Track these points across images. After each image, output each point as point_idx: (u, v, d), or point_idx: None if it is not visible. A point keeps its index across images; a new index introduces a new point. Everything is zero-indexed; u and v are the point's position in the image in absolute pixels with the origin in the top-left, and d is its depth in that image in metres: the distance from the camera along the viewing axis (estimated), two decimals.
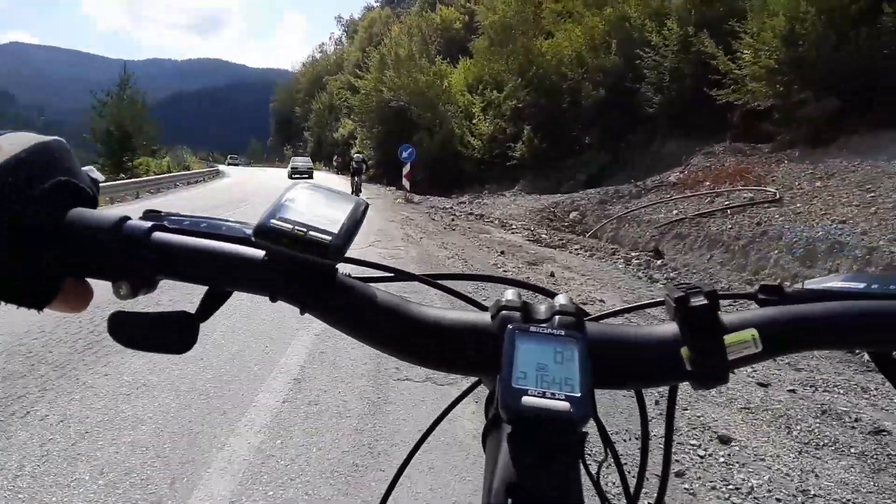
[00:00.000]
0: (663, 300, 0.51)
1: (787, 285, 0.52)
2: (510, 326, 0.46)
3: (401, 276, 0.63)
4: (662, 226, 13.51)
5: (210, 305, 0.52)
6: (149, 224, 0.50)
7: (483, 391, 0.54)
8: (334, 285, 0.50)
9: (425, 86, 30.24)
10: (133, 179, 25.05)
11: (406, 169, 20.57)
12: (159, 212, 0.55)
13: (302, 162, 47.57)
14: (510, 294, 0.51)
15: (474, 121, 29.16)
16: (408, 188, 20.90)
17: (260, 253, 0.49)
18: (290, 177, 42.38)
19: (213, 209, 16.44)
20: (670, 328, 0.48)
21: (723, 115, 19.99)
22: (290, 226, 0.47)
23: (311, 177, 43.21)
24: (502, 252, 9.54)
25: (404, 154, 20.58)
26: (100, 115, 29.76)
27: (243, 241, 0.51)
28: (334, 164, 47.82)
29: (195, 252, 0.50)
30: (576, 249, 11.55)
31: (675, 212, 13.96)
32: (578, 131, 26.91)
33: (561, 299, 0.51)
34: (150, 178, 26.21)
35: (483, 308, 0.55)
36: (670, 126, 23.03)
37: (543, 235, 12.57)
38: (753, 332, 0.45)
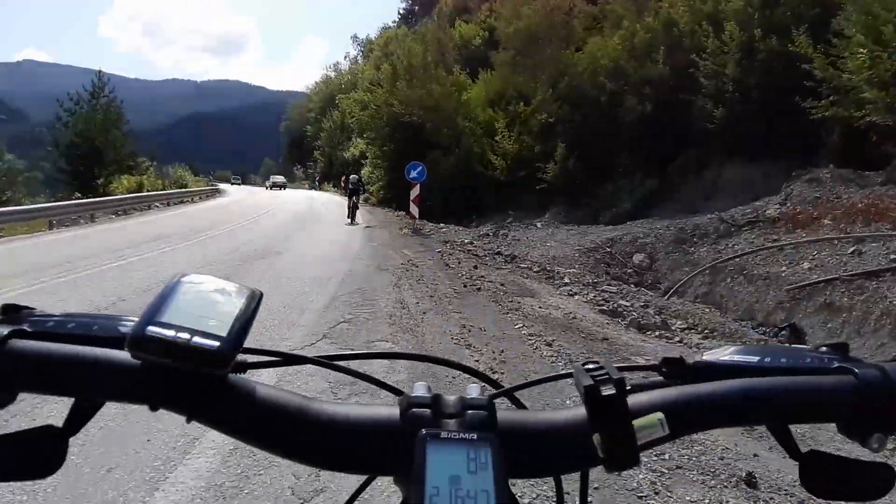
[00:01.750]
0: (572, 373, 0.49)
1: (687, 357, 0.53)
2: (422, 432, 0.43)
3: (293, 360, 0.56)
4: (795, 288, 8.65)
5: (80, 417, 0.44)
6: (5, 331, 0.43)
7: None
8: (223, 391, 0.44)
9: (441, 98, 25.71)
10: (87, 200, 20.57)
11: (414, 192, 15.91)
12: (20, 308, 0.48)
13: (279, 178, 57.73)
14: (420, 388, 0.48)
15: (497, 137, 24.54)
16: (416, 216, 16.21)
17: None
18: (269, 189, 51.35)
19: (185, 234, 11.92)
20: (581, 414, 0.46)
21: (803, 135, 15.68)
22: (172, 332, 0.41)
23: (284, 188, 52.25)
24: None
25: (413, 173, 15.89)
26: (65, 125, 25.45)
27: (118, 341, 0.44)
28: (342, 184, 43.52)
29: (60, 362, 0.43)
30: (684, 331, 6.79)
31: (806, 265, 9.11)
32: (619, 152, 22.28)
33: (471, 390, 0.50)
34: (111, 198, 21.69)
35: (398, 392, 0.51)
36: (730, 147, 18.57)
37: (622, 302, 7.74)
38: (660, 415, 0.45)
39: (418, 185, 15.88)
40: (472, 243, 13.60)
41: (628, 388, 0.45)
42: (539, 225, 19.31)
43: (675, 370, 0.53)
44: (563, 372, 0.55)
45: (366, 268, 9.28)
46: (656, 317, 7.36)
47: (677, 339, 6.41)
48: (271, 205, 26.99)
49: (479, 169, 24.76)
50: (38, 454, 0.42)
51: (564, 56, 24.31)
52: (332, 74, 70.03)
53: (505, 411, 0.47)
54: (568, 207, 22.22)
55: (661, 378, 0.54)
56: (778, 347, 0.53)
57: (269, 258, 10.09)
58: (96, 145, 25.09)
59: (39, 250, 10.89)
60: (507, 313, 6.42)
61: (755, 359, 0.52)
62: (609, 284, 9.38)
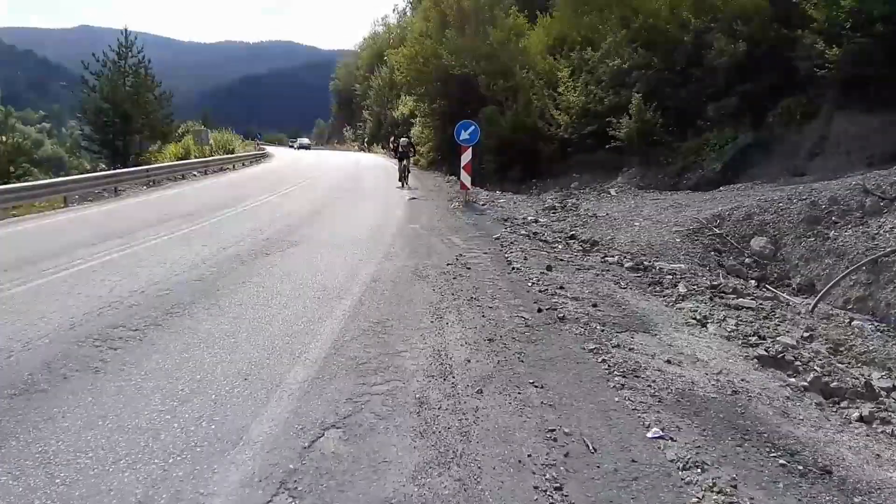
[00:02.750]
0: None
1: None
2: None
3: None
4: None
5: None
6: None
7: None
8: None
9: (497, 44, 22.55)
10: (105, 172, 18.67)
11: (466, 157, 13.14)
12: None
13: (304, 140, 64.81)
14: None
15: (560, 89, 21.33)
16: (468, 186, 13.44)
17: None
18: (296, 150, 54.30)
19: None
20: None
21: None
22: None
23: (308, 149, 56.07)
24: None
25: (464, 134, 13.03)
26: (91, 89, 23.52)
27: None
28: (391, 146, 41.00)
29: None
30: (893, 393, 4.04)
31: None
32: (705, 101, 18.84)
33: None
34: (137, 168, 19.54)
35: None
36: (843, 94, 15.08)
37: (784, 339, 4.96)
38: None
39: (470, 149, 13.07)
40: (536, 221, 10.86)
41: None
42: (613, 192, 16.34)
43: None
44: None
45: (398, 272, 6.73)
46: (840, 364, 4.58)
47: None
48: (312, 172, 24.70)
49: (539, 125, 21.68)
50: None
51: None
52: (381, 30, 66.62)
53: None
54: (644, 169, 19.04)
55: None
56: None
57: (276, 253, 7.68)
58: (125, 110, 23.18)
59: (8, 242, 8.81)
60: (621, 385, 3.75)
61: None
62: (739, 294, 6.54)
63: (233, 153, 34.40)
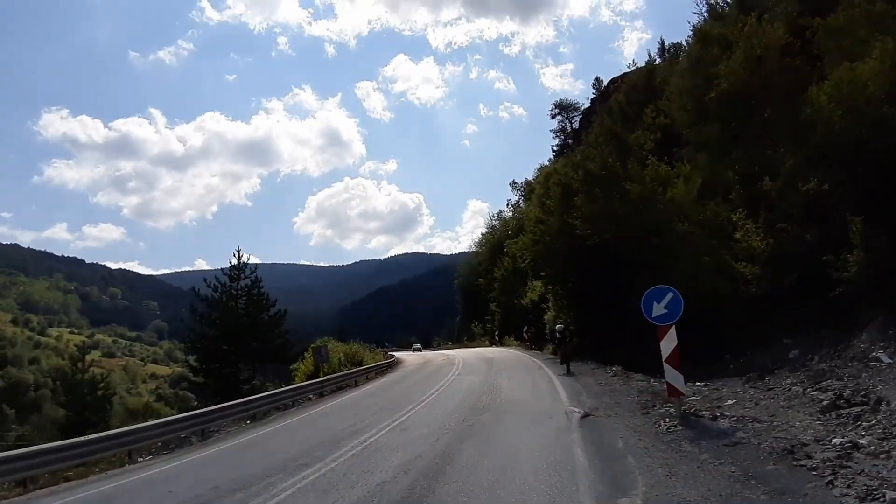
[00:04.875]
0: None
1: None
2: None
3: None
4: None
5: None
6: None
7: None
8: None
9: (640, 200, 18.19)
10: (191, 413, 15.18)
11: (668, 343, 7.92)
12: None
13: (417, 345, 68.84)
14: None
15: (738, 235, 16.20)
16: (682, 390, 8.00)
17: None
18: (413, 352, 56.75)
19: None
20: None
21: None
22: None
23: (421, 350, 60.04)
24: None
25: (658, 308, 7.89)
26: (201, 318, 21.38)
27: None
28: (524, 336, 36.20)
29: None
30: None
31: None
32: None
33: None
34: (228, 404, 15.59)
35: None
36: None
37: None
38: None
39: (673, 329, 7.95)
40: (855, 446, 5.32)
41: None
42: (886, 358, 10.31)
43: None
44: None
45: None
46: None
47: None
48: (439, 381, 20.05)
49: (715, 284, 16.26)
50: None
51: (806, 100, 15.93)
52: (497, 224, 65.93)
53: None
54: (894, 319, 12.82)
55: None
56: None
57: None
58: (236, 335, 20.61)
59: None
60: None
61: None
62: None
63: (361, 364, 31.47)
